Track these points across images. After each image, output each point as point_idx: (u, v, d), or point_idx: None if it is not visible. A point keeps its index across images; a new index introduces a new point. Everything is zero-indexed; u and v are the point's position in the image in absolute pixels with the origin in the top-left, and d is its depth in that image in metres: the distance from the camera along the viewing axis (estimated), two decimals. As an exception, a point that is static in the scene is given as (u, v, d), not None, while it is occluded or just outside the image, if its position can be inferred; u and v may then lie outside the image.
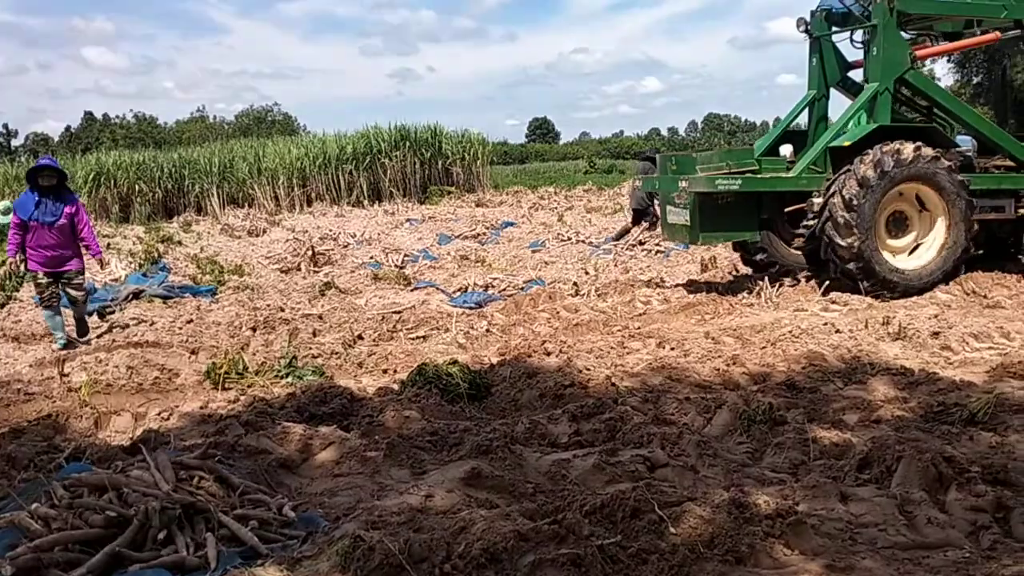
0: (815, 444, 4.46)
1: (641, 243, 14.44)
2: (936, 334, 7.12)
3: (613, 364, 6.63)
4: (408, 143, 33.46)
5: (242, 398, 6.10)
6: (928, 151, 8.85)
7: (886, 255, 9.02)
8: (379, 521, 3.38)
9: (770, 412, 4.92)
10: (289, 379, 6.87)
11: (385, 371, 7.24)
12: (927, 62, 12.35)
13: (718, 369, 6.36)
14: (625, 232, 15.49)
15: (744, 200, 9.31)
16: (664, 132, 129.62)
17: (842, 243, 8.81)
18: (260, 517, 3.58)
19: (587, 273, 12.04)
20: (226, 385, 6.77)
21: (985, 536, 3.31)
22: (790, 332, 7.24)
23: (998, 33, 9.98)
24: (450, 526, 3.24)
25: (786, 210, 9.64)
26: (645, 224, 15.15)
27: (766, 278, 9.71)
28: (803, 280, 9.87)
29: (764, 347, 6.96)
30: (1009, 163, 9.83)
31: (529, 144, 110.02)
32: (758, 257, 10.39)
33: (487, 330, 8.52)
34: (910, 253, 9.27)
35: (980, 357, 6.55)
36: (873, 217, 8.80)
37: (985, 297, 8.80)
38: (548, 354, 6.93)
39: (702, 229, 9.35)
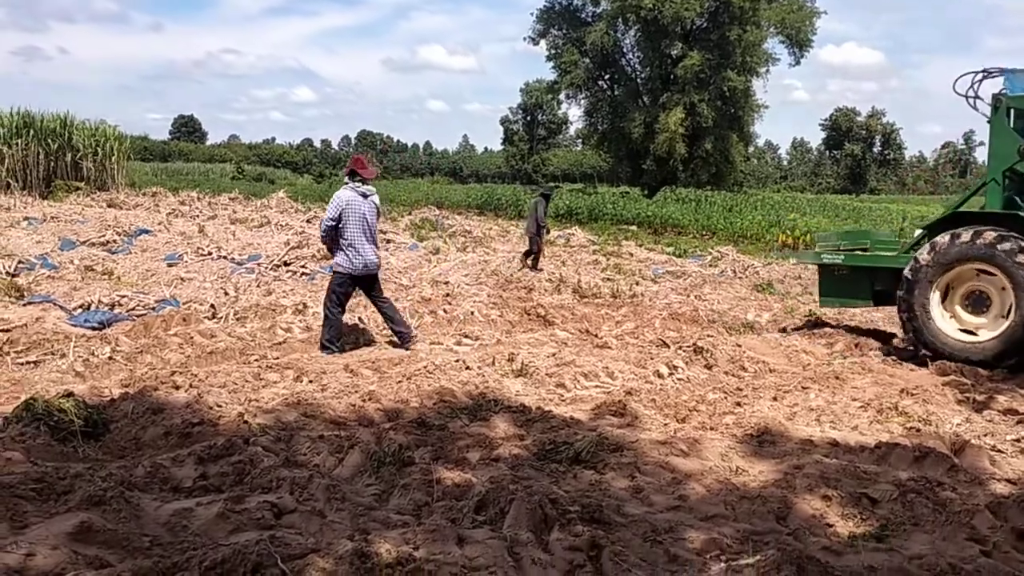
0: (439, 485, 4.68)
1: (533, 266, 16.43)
2: (552, 372, 7.77)
3: (247, 399, 6.47)
4: (32, 131, 30.23)
5: None
6: (990, 235, 9.11)
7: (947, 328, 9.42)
8: (-37, 592, 3.03)
9: (399, 452, 5.10)
10: None
11: (-15, 401, 6.47)
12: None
13: (354, 405, 6.44)
14: (530, 254, 16.95)
15: (857, 274, 10.45)
16: (317, 144, 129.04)
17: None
18: None
19: (227, 294, 11.64)
20: None
21: (580, 574, 3.67)
22: (425, 367, 7.52)
23: None
24: (51, 594, 2.99)
25: None
26: (531, 245, 16.99)
27: (406, 309, 10.03)
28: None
29: (400, 382, 7.17)
30: None
31: (173, 142, 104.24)
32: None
33: (110, 356, 7.92)
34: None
35: (588, 395, 7.26)
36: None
37: (596, 336, 9.76)
38: (177, 387, 6.60)
39: (822, 294, 11.12)
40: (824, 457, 5.54)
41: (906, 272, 9.51)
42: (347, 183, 8.93)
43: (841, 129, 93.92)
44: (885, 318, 12.90)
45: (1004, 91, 9.66)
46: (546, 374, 7.73)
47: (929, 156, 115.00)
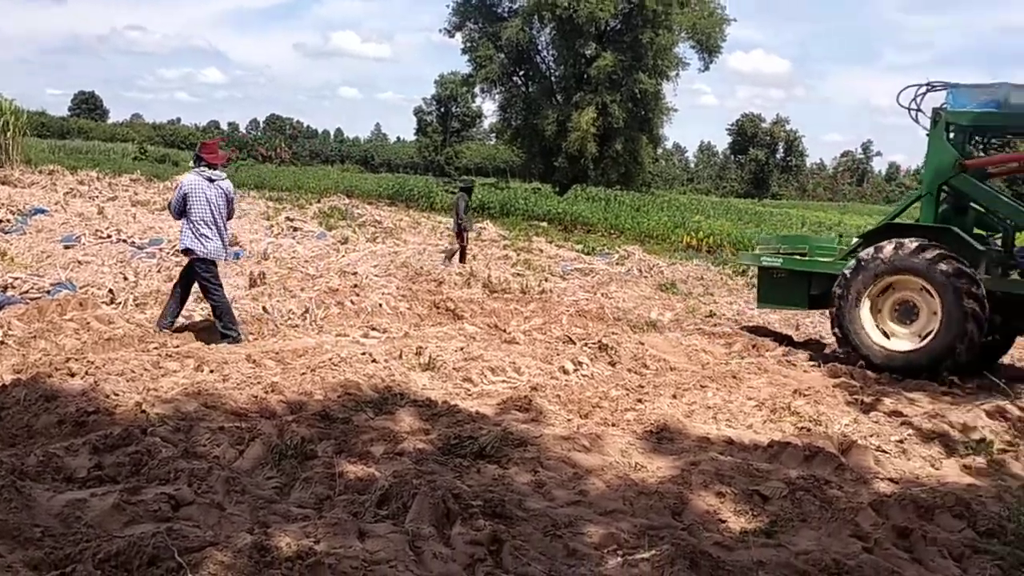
0: (342, 478, 4.67)
1: (462, 259, 16.31)
2: (460, 366, 7.80)
3: (145, 388, 6.31)
4: (-81, 103, 28.78)
5: None
6: (911, 245, 9.28)
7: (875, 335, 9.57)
8: None
9: (302, 445, 5.07)
10: None
11: None
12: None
13: (256, 396, 6.35)
14: (453, 253, 16.72)
15: (795, 278, 10.68)
16: (224, 126, 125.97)
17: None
18: None
19: (126, 279, 11.31)
20: None
21: (480, 568, 3.71)
22: (330, 359, 7.46)
23: None
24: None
25: None
26: (465, 240, 16.99)
27: (312, 300, 9.94)
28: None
29: (304, 373, 7.09)
30: None
31: (72, 119, 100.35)
32: None
33: (1, 341, 7.61)
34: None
35: (495, 390, 7.32)
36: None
37: (505, 331, 9.83)
38: (72, 374, 6.39)
39: (760, 296, 11.46)
40: (719, 454, 5.73)
41: (839, 280, 9.71)
42: (192, 167, 8.76)
43: (746, 134, 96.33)
44: (781, 320, 13.36)
45: (945, 105, 9.84)
46: (454, 368, 7.76)
47: (829, 164, 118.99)
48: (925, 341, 9.18)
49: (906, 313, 9.46)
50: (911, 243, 9.28)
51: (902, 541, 4.38)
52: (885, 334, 9.52)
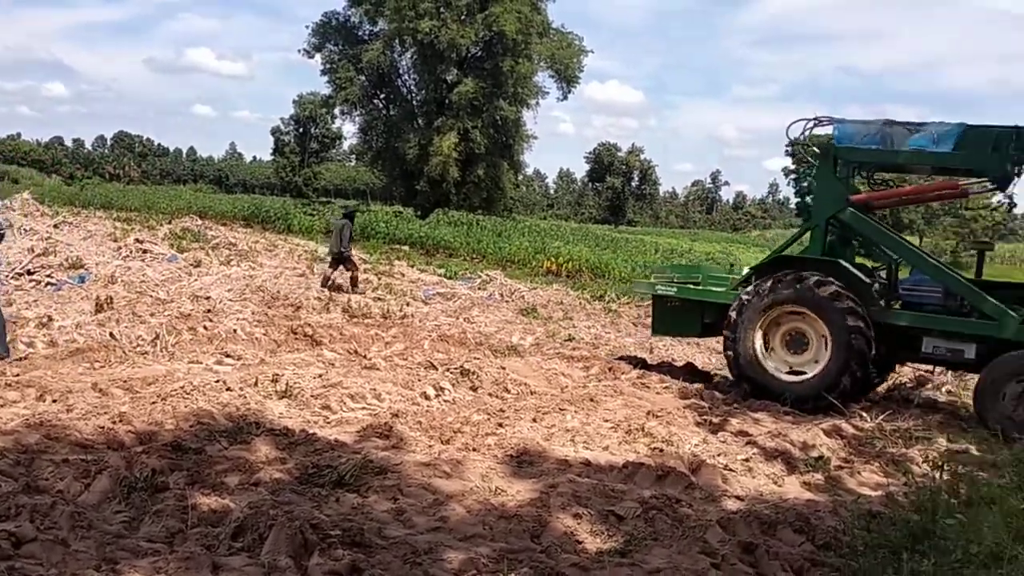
0: (194, 511, 4.53)
1: (339, 287, 16.50)
2: (318, 394, 7.68)
3: (-19, 420, 5.94)
4: None
5: None
6: (801, 277, 9.47)
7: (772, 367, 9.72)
8: None
9: (152, 477, 4.89)
10: None
11: None
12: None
13: (103, 427, 6.06)
14: (327, 279, 16.80)
15: (688, 306, 10.86)
16: (69, 143, 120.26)
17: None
18: None
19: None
20: None
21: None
22: (182, 388, 7.19)
23: (956, 182, 10.46)
24: None
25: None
26: (343, 268, 17.06)
27: (163, 325, 9.59)
28: None
29: (155, 402, 6.81)
30: None
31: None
32: None
33: None
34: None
35: (354, 417, 7.24)
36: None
37: (365, 357, 9.74)
38: None
39: (654, 323, 11.64)
40: (577, 476, 5.86)
41: (731, 311, 9.95)
42: None
43: (603, 163, 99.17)
44: (636, 344, 13.79)
45: (832, 140, 10.15)
46: (312, 395, 7.62)
47: (681, 192, 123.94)
48: (815, 371, 9.47)
49: (797, 343, 9.73)
50: (801, 275, 9.57)
51: (747, 556, 4.60)
52: (777, 364, 9.77)
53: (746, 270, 11.16)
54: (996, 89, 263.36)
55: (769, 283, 9.73)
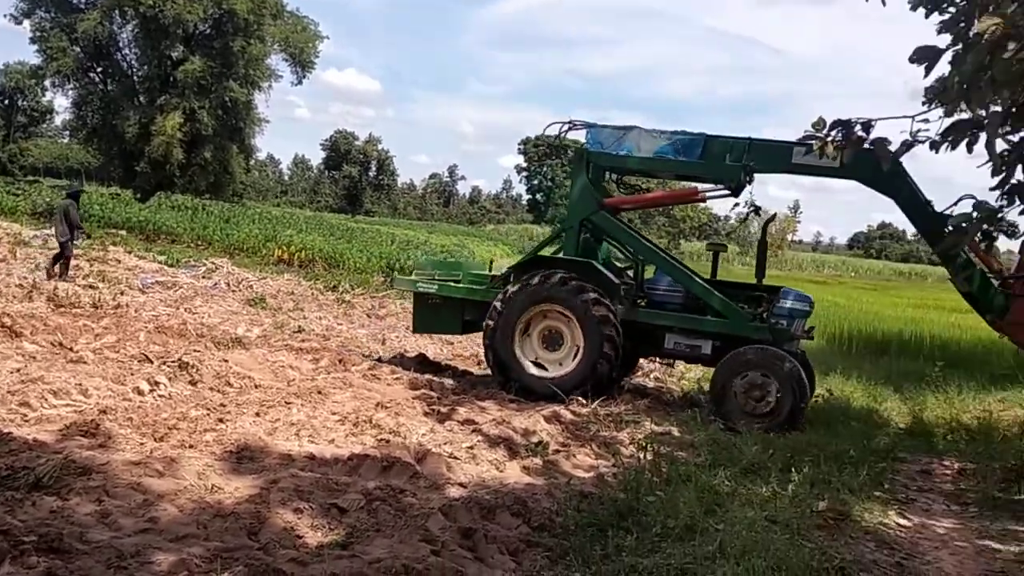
0: None
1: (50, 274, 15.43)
2: (15, 390, 7.01)
3: None
4: None
5: None
6: (555, 277, 9.83)
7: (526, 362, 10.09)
8: None
9: None
10: None
11: None
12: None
13: None
14: (59, 259, 15.92)
15: (449, 304, 10.93)
16: None
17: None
18: None
19: None
20: None
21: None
22: None
23: (695, 188, 10.71)
24: None
25: None
26: (70, 253, 16.16)
27: None
28: None
29: None
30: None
31: None
32: None
33: None
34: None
35: (57, 414, 6.68)
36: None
37: (71, 350, 9.01)
38: None
39: (415, 320, 11.62)
40: (300, 471, 5.77)
41: (491, 309, 10.14)
42: None
43: (340, 151, 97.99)
44: (369, 335, 13.79)
45: (586, 145, 10.58)
46: (8, 392, 6.94)
47: (419, 184, 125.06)
48: (570, 366, 9.94)
49: (553, 340, 10.15)
50: (555, 275, 9.99)
51: (466, 541, 4.76)
52: (535, 360, 10.15)
53: (504, 269, 11.46)
54: (703, 99, 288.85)
55: (526, 282, 10.12)
